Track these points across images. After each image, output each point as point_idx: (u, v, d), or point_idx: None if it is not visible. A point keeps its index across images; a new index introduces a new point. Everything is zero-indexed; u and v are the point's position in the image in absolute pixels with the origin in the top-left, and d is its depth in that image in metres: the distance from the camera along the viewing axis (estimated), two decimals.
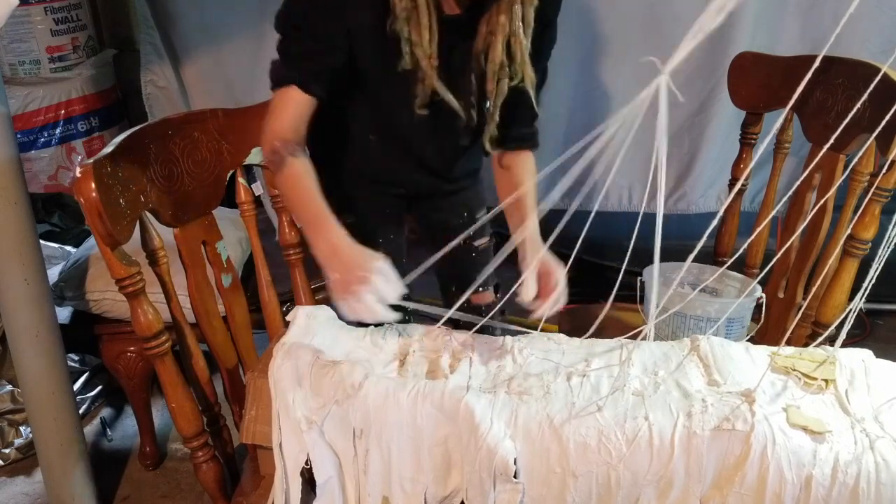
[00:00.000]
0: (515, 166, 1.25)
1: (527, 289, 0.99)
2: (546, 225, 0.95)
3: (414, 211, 1.40)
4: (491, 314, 1.10)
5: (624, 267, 0.96)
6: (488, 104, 1.15)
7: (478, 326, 1.04)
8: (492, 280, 1.38)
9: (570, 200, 0.96)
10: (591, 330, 1.03)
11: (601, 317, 1.00)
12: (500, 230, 0.93)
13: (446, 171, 1.30)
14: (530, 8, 1.07)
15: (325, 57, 1.10)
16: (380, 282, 0.92)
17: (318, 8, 1.08)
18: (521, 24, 1.07)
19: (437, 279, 1.44)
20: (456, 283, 1.18)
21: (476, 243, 1.40)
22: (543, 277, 1.01)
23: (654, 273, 0.90)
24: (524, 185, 1.18)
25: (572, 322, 1.50)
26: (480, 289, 1.36)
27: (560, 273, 1.01)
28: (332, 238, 1.00)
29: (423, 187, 1.32)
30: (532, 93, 1.15)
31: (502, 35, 1.08)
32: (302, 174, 1.08)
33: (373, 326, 1.06)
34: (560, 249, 1.37)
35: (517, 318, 2.20)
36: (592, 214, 0.92)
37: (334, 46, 1.09)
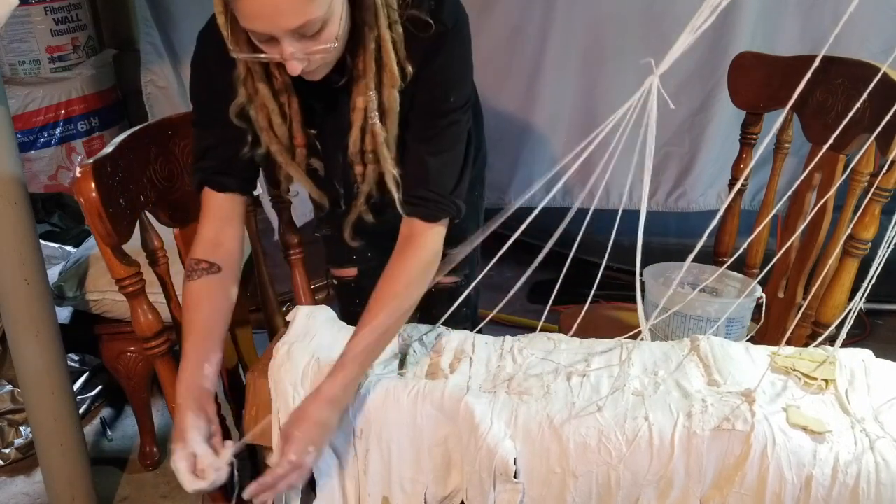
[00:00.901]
0: (401, 240, 1.03)
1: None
2: (546, 225, 0.94)
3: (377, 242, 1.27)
4: (460, 300, 1.02)
5: (630, 268, 0.96)
6: (357, 189, 1.04)
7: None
8: (463, 269, 1.24)
9: (571, 200, 0.96)
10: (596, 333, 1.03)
11: (606, 317, 1.00)
12: (504, 232, 0.91)
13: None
14: (392, 90, 0.94)
15: (227, 146, 1.01)
16: (179, 465, 0.86)
17: (202, 97, 1.03)
18: (376, 113, 0.95)
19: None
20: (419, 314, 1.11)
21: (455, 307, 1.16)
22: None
23: (636, 273, 0.89)
24: (393, 269, 0.99)
25: (573, 322, 1.50)
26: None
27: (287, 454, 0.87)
28: (182, 379, 0.93)
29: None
30: (392, 187, 0.99)
31: (359, 121, 0.96)
32: (188, 303, 0.99)
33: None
34: (560, 249, 1.37)
35: (517, 318, 2.20)
36: (590, 213, 0.92)
37: (231, 131, 0.99)
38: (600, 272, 0.98)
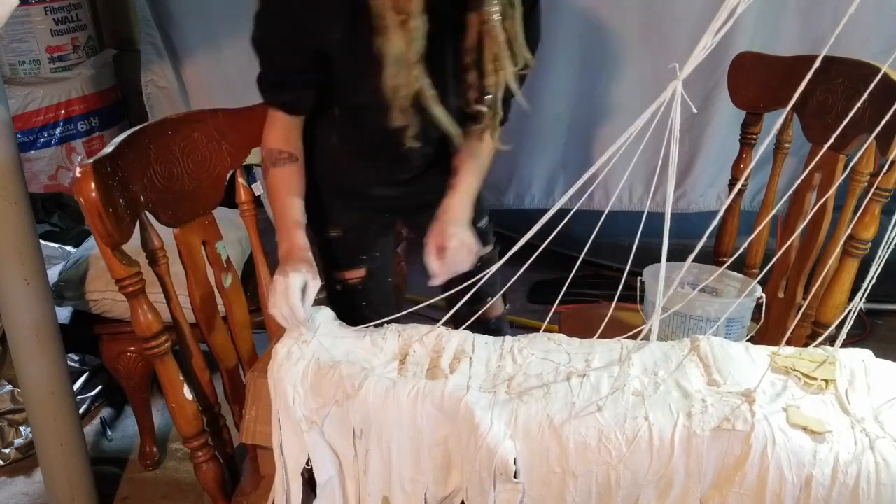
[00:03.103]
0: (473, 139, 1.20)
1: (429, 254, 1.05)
2: (546, 224, 0.94)
3: (406, 221, 1.38)
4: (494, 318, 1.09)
5: (625, 267, 0.96)
6: (487, 98, 1.10)
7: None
8: (498, 288, 1.28)
9: (573, 201, 0.96)
10: (598, 332, 1.03)
11: (606, 317, 1.00)
12: (508, 232, 0.92)
13: (423, 182, 1.25)
14: None
15: (302, 80, 1.11)
16: (294, 282, 0.99)
17: (287, 35, 1.07)
18: (501, 10, 1.01)
19: (442, 292, 1.39)
20: (461, 292, 1.13)
21: (480, 253, 1.26)
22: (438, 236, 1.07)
23: (660, 274, 0.90)
24: (470, 151, 1.19)
25: (573, 322, 1.50)
26: (488, 299, 1.25)
27: (451, 239, 1.07)
28: (292, 241, 1.07)
29: (407, 200, 1.29)
30: (514, 85, 1.10)
31: (497, 25, 1.01)
32: (276, 186, 1.14)
33: (373, 326, 1.06)
34: (560, 249, 1.37)
35: (517, 318, 2.20)
36: (605, 215, 0.92)
37: (309, 70, 1.09)
38: (623, 276, 0.99)
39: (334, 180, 1.27)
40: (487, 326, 1.30)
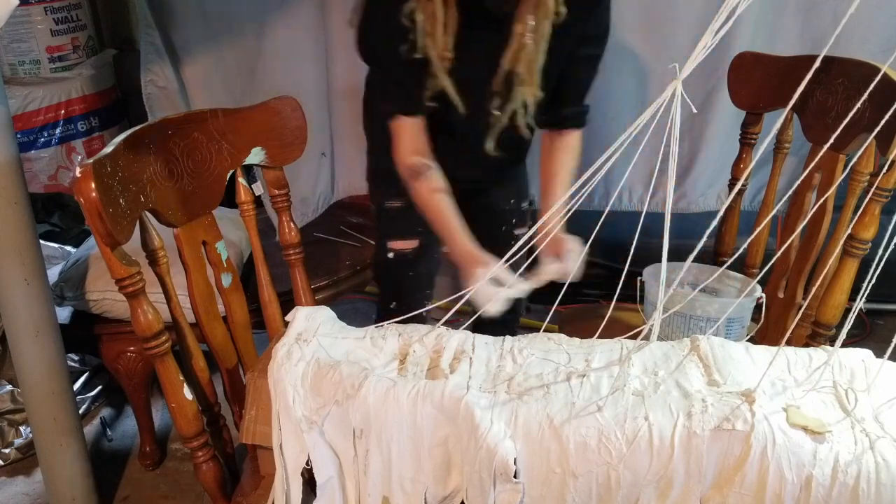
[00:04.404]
0: (557, 146, 1.34)
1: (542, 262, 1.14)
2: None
3: (461, 197, 1.44)
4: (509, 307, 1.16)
5: (626, 267, 0.96)
6: (501, 106, 1.22)
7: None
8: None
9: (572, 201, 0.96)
10: (598, 331, 1.03)
11: (606, 317, 1.00)
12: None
13: (483, 163, 1.36)
14: (545, 21, 1.12)
15: (414, 80, 1.18)
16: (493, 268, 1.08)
17: (387, 37, 1.16)
18: (533, 35, 1.12)
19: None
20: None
21: (517, 232, 1.49)
22: (555, 244, 1.16)
23: (660, 274, 0.90)
24: (558, 164, 1.32)
25: (573, 322, 1.51)
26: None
27: (571, 242, 1.16)
28: (462, 244, 1.19)
29: (469, 174, 1.37)
30: (530, 105, 1.23)
31: (515, 44, 1.14)
32: (429, 191, 1.24)
33: (373, 326, 1.06)
34: None
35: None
36: (605, 215, 0.92)
37: (416, 67, 1.16)
38: (622, 276, 1.01)
39: None
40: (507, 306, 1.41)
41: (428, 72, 1.17)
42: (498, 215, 1.48)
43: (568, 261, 1.18)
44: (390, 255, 1.43)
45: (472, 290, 1.03)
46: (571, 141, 1.34)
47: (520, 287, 1.09)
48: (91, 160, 0.90)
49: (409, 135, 1.23)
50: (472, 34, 1.16)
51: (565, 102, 1.30)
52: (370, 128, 1.45)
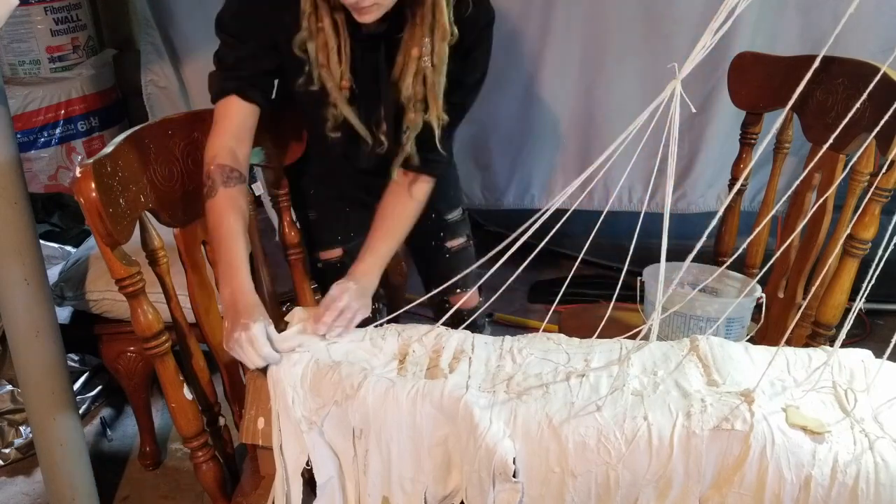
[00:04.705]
0: (402, 189, 1.21)
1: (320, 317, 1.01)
2: (545, 224, 0.95)
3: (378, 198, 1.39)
4: (474, 316, 1.13)
5: (626, 267, 0.96)
6: (405, 134, 1.13)
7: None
8: (473, 281, 1.37)
9: (572, 201, 0.96)
10: (597, 331, 1.03)
11: (606, 317, 1.00)
12: (508, 233, 0.94)
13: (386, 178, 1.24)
14: (442, 43, 1.05)
15: (259, 62, 1.10)
16: (257, 333, 0.94)
17: (247, 18, 1.09)
18: (430, 59, 1.06)
19: (422, 282, 1.46)
20: (435, 284, 1.18)
21: (448, 244, 1.39)
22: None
23: (660, 274, 0.90)
24: (398, 210, 1.20)
25: (572, 322, 1.50)
26: (458, 290, 1.37)
27: (345, 299, 1.04)
28: (235, 286, 1.00)
29: (374, 191, 1.27)
30: (437, 129, 1.12)
31: (413, 67, 1.06)
32: (225, 211, 1.04)
33: (372, 327, 1.06)
34: (559, 249, 1.37)
35: (515, 318, 2.20)
36: (604, 215, 0.92)
37: (265, 53, 1.10)
38: (621, 276, 0.99)
39: (308, 168, 1.32)
40: (461, 318, 1.32)
41: (326, 102, 1.11)
42: (423, 232, 1.31)
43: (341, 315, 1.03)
44: (319, 265, 1.39)
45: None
46: (422, 189, 1.22)
47: (269, 354, 0.94)
48: (91, 160, 0.90)
49: (234, 121, 1.09)
50: (366, 60, 1.11)
51: (430, 146, 1.16)
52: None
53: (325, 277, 1.38)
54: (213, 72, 1.13)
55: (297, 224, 1.32)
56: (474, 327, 1.14)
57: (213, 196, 1.06)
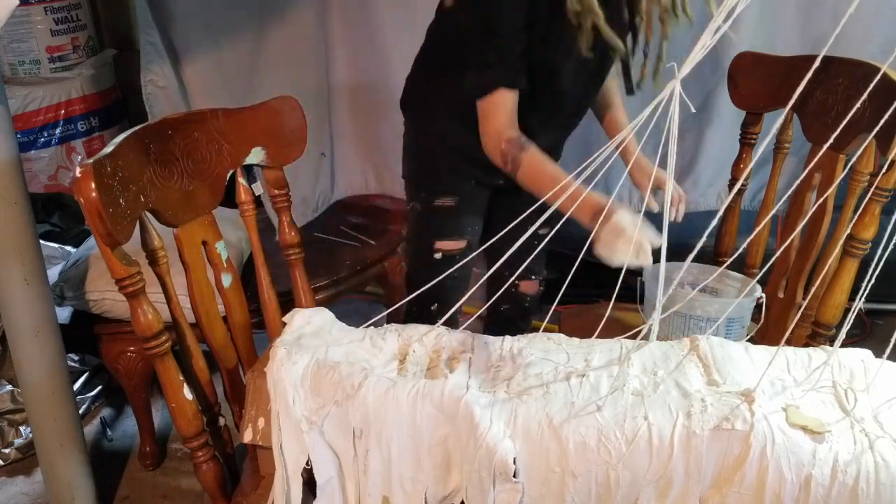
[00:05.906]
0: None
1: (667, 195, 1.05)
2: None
3: (505, 199, 1.43)
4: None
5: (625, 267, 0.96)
6: (648, 43, 1.24)
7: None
8: (540, 271, 1.47)
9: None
10: (597, 331, 1.03)
11: (605, 317, 1.00)
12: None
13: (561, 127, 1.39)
14: None
15: (521, 47, 1.16)
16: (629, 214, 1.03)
17: (505, 5, 1.14)
18: None
19: (487, 267, 1.43)
20: (509, 269, 1.19)
21: (541, 231, 1.42)
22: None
23: (660, 274, 0.90)
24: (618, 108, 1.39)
25: (573, 322, 1.50)
26: (532, 277, 1.45)
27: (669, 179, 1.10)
28: (593, 200, 1.08)
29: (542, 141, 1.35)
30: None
31: None
32: (540, 161, 1.17)
33: (372, 327, 1.06)
34: (559, 249, 1.37)
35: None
36: (603, 214, 0.92)
37: (523, 33, 1.15)
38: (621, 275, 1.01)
39: (458, 145, 1.33)
40: (522, 303, 1.43)
41: (579, 26, 1.15)
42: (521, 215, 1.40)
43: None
44: (437, 255, 1.40)
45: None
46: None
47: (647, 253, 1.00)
48: (91, 160, 0.90)
49: (507, 109, 1.18)
50: None
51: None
52: (430, 118, 1.39)
53: (436, 271, 1.30)
54: (471, 71, 1.18)
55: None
56: (531, 311, 1.25)
57: (519, 164, 1.17)
